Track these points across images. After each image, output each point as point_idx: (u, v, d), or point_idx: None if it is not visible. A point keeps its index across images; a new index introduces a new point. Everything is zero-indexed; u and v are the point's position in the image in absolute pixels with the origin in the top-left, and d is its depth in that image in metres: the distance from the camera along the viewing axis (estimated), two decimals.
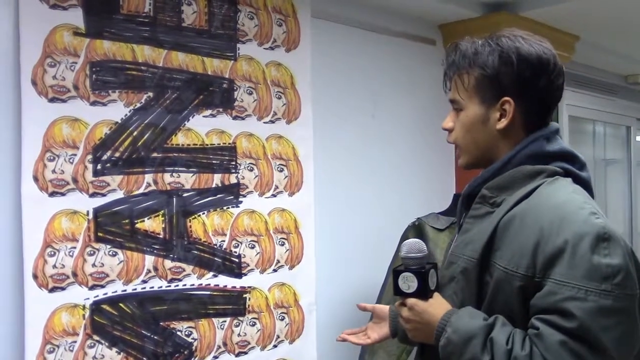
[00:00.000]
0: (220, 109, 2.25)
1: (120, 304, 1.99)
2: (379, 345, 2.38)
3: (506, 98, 1.24)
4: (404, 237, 2.47)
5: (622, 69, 4.45)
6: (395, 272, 1.30)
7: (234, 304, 2.25)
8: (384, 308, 1.65)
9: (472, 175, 1.35)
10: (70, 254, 1.89)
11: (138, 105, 2.05)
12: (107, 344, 1.95)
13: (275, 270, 2.37)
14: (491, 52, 1.24)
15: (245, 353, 2.28)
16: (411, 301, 1.27)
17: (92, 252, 1.94)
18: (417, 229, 2.46)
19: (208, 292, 2.19)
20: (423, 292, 1.26)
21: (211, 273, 2.20)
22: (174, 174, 2.12)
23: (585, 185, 1.26)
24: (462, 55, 1.28)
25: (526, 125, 1.27)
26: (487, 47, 1.25)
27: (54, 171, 1.87)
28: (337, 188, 2.69)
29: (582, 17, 3.11)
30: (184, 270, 2.13)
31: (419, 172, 3.08)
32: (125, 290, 2.00)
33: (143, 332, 2.03)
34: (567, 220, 1.11)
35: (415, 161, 3.08)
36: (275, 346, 2.36)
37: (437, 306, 1.24)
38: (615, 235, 1.12)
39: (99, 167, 1.96)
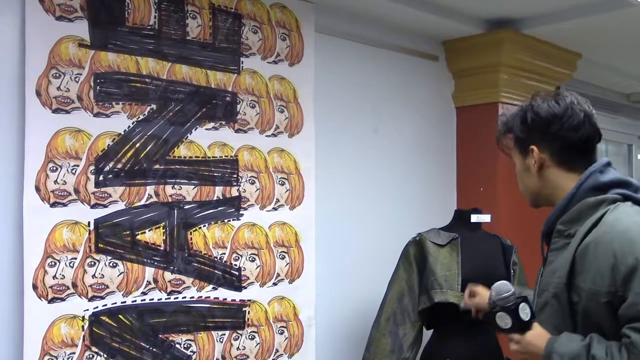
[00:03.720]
0: (223, 122, 2.25)
1: (120, 316, 1.99)
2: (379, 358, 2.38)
3: (531, 147, 1.55)
4: (405, 252, 2.46)
5: (624, 87, 4.45)
6: (491, 314, 1.52)
7: (233, 317, 2.25)
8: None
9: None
10: (71, 264, 1.90)
11: (141, 117, 2.06)
12: (105, 355, 1.95)
13: (275, 284, 2.37)
14: (515, 116, 1.59)
15: None
16: (515, 337, 1.48)
17: (92, 263, 1.94)
18: (418, 244, 2.45)
19: (207, 305, 2.18)
20: (519, 326, 1.47)
21: (211, 286, 2.19)
22: (175, 186, 2.13)
23: None
24: (503, 123, 1.65)
25: (561, 164, 1.53)
26: (516, 113, 1.60)
27: (56, 182, 1.88)
28: (338, 202, 2.69)
29: (585, 35, 3.13)
30: (183, 282, 2.13)
31: (420, 187, 3.08)
32: (124, 302, 2.00)
33: (142, 344, 2.03)
34: (634, 243, 1.34)
35: (417, 176, 3.08)
36: None
37: (538, 337, 1.45)
38: None
39: (101, 178, 1.97)
